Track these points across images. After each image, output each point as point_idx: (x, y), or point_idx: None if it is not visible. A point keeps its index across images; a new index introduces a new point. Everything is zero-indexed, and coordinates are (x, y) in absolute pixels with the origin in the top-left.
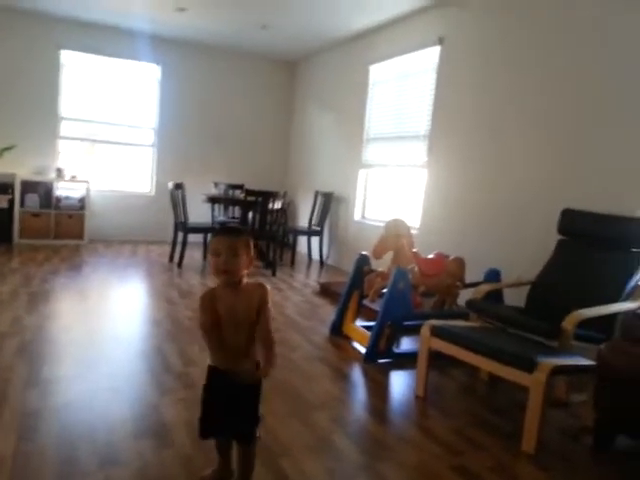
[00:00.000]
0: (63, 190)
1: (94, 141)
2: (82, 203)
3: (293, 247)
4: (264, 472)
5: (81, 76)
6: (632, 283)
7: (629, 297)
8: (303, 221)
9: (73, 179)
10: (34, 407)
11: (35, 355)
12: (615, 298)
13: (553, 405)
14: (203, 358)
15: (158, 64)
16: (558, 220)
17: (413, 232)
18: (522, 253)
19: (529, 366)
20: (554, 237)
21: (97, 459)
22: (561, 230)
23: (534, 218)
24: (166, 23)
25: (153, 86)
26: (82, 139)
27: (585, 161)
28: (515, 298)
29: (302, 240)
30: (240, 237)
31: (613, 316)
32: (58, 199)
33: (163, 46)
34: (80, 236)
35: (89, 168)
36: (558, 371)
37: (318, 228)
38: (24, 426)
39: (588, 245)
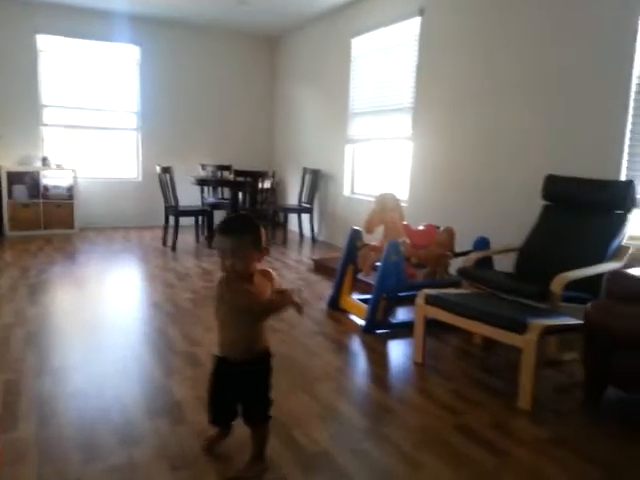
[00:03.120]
0: (50, 179)
1: (77, 127)
2: (70, 192)
3: (284, 225)
4: (277, 442)
5: (60, 61)
6: (615, 244)
7: (613, 258)
8: (292, 199)
9: (59, 167)
10: (48, 395)
11: (42, 345)
12: (600, 259)
13: (545, 364)
14: (207, 338)
15: (137, 45)
16: (542, 186)
17: (402, 205)
18: (509, 220)
19: (521, 328)
20: (539, 203)
21: (117, 439)
22: (545, 196)
23: (520, 185)
24: (143, 2)
25: (133, 68)
26: (65, 126)
27: (567, 127)
28: (505, 264)
29: (293, 218)
30: (243, 236)
31: (599, 277)
32: (46, 188)
33: (141, 26)
34: (70, 225)
35: (74, 156)
36: (549, 331)
37: (308, 205)
38: (41, 413)
39: (572, 209)
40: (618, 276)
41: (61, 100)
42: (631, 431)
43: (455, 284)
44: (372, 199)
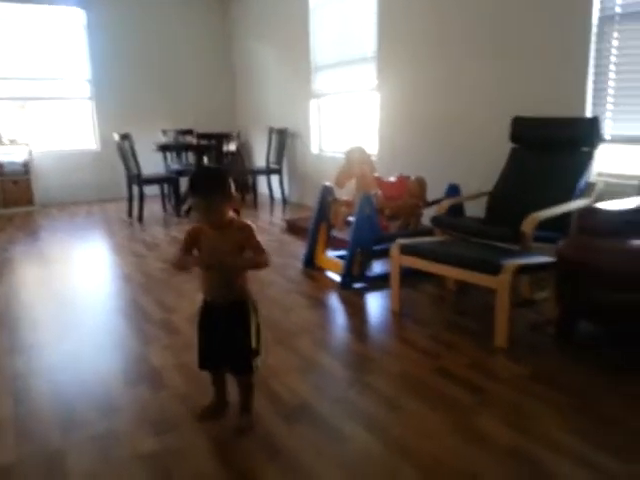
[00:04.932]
0: (4, 155)
1: (27, 99)
2: (26, 167)
3: (254, 188)
4: (258, 395)
5: (1, 30)
6: (583, 181)
7: (582, 195)
8: (260, 160)
9: (13, 143)
10: (23, 372)
11: (13, 323)
12: (570, 198)
13: (518, 305)
14: (181, 305)
15: (82, 8)
16: (509, 128)
17: (372, 158)
18: (479, 165)
19: (494, 269)
20: (508, 146)
21: (96, 410)
22: (513, 138)
23: (488, 130)
24: None
25: (81, 33)
26: (14, 98)
27: (533, 68)
28: (477, 210)
29: (262, 180)
30: (211, 195)
31: (567, 215)
32: (0, 165)
33: None
34: (30, 202)
35: (27, 129)
36: (521, 271)
37: (276, 166)
38: (17, 389)
39: (540, 150)
40: (589, 212)
41: (7, 71)
42: (602, 361)
43: (428, 233)
44: (341, 156)
